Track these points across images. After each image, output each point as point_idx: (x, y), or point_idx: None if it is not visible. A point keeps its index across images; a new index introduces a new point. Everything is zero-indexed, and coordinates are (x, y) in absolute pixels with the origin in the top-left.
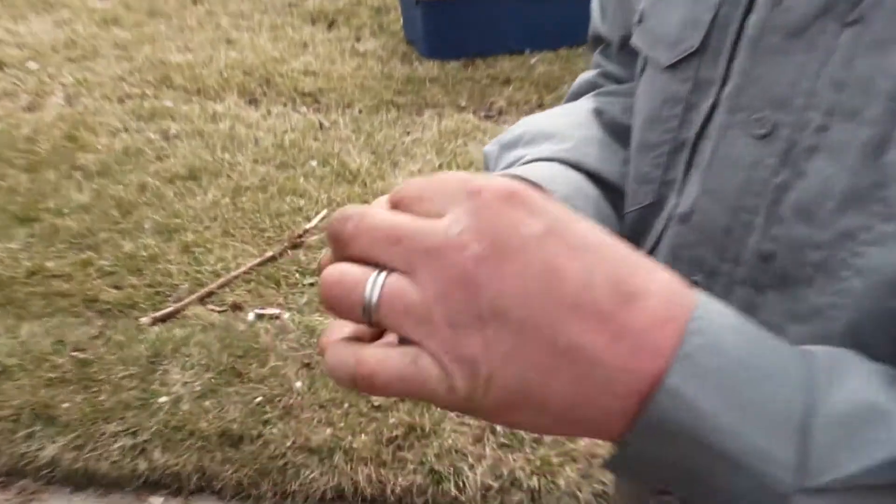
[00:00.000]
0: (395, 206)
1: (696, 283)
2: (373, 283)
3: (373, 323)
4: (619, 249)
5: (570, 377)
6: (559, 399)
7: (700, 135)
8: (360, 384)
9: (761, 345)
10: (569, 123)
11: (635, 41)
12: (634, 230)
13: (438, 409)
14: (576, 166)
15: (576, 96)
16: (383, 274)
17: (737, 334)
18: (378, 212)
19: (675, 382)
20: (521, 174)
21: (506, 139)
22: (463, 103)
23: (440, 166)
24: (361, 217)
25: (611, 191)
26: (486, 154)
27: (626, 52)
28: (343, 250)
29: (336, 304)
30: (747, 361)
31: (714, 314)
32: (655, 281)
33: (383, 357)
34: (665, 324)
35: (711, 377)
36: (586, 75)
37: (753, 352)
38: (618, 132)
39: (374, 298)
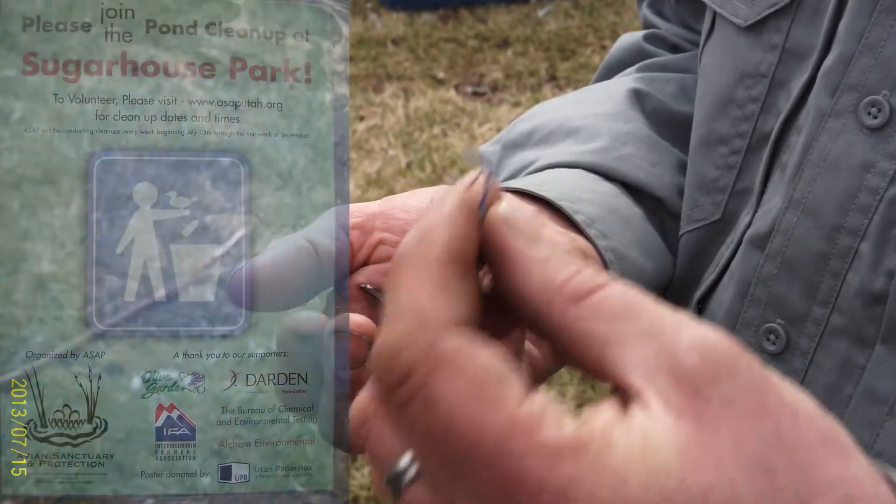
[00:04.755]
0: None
1: (774, 333)
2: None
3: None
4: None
5: None
6: None
7: (788, 125)
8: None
9: None
10: (600, 113)
11: None
12: (692, 259)
13: None
14: (609, 175)
15: (613, 69)
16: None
17: None
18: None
19: None
20: (530, 188)
21: (511, 136)
22: (441, 75)
23: (408, 166)
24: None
25: (659, 209)
26: (484, 157)
27: (686, 3)
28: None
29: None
30: None
31: None
32: None
33: None
34: None
35: None
36: (629, 38)
37: None
38: (670, 124)
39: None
